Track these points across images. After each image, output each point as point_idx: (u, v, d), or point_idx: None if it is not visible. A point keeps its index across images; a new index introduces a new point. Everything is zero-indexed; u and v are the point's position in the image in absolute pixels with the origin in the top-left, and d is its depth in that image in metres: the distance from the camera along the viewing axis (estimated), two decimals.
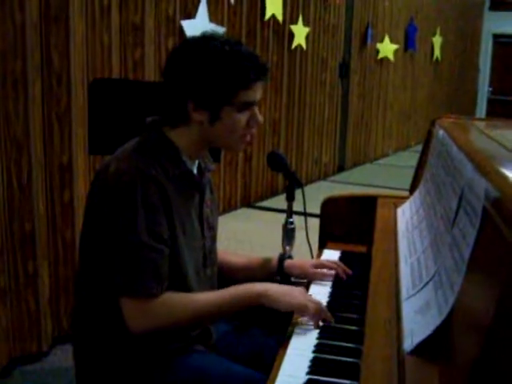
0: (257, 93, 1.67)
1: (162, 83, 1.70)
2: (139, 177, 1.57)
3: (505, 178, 1.11)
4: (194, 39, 1.70)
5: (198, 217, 1.76)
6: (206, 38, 1.66)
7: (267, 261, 2.02)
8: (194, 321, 1.68)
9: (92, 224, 1.66)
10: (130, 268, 1.57)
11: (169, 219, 1.62)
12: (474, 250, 1.09)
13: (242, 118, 1.67)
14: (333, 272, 2.00)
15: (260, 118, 1.71)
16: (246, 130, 1.70)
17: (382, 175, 7.80)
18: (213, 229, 1.87)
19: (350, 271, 2.01)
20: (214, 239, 1.88)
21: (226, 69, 1.61)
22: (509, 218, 0.93)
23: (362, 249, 2.28)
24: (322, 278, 1.99)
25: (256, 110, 1.70)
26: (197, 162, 1.78)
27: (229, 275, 1.98)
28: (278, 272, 1.99)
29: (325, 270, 2.01)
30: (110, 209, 1.58)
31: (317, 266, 2.01)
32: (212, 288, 1.84)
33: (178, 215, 1.65)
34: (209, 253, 1.82)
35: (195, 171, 1.76)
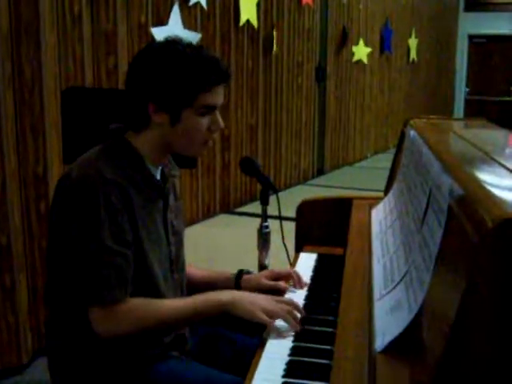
0: (218, 97, 1.68)
1: (125, 87, 1.70)
2: (101, 182, 1.56)
3: (469, 176, 1.12)
4: (157, 43, 1.72)
5: (162, 222, 1.75)
6: (168, 42, 1.67)
7: (227, 277, 1.98)
8: (160, 327, 1.66)
9: (56, 233, 1.64)
10: (94, 275, 1.56)
11: (132, 224, 1.61)
12: (440, 248, 1.10)
13: (203, 122, 1.67)
14: (285, 284, 1.93)
15: (221, 122, 1.71)
16: (207, 135, 1.70)
17: (361, 178, 7.83)
18: (178, 234, 1.85)
19: (303, 281, 1.96)
20: (180, 244, 1.87)
21: (187, 71, 1.62)
22: (471, 216, 0.93)
23: (339, 251, 2.25)
24: (276, 289, 1.91)
25: (217, 114, 1.70)
26: (160, 167, 1.77)
27: (190, 287, 1.95)
28: (236, 289, 1.92)
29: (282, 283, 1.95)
30: (72, 215, 1.57)
31: (271, 277, 1.96)
32: (182, 293, 1.84)
33: (142, 220, 1.65)
34: (175, 258, 1.82)
35: (158, 177, 1.76)
